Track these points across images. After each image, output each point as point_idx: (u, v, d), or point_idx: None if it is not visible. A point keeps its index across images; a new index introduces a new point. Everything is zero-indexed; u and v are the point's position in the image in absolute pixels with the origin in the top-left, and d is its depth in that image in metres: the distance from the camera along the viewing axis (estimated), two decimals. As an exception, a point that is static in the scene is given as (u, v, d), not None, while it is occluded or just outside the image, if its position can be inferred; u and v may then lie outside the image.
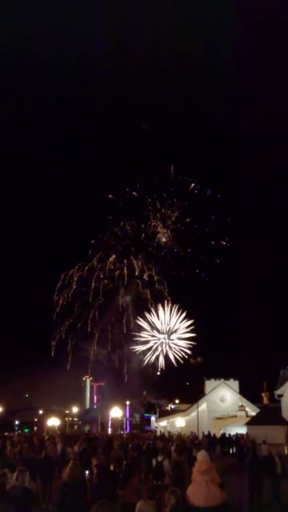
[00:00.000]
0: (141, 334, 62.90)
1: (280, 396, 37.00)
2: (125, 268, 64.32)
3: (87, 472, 10.29)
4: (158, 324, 63.54)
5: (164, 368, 61.47)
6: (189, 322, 61.81)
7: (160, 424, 48.44)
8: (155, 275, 64.00)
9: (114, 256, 63.66)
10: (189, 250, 63.81)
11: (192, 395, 45.79)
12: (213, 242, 64.68)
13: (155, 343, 63.31)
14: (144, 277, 64.37)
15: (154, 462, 12.48)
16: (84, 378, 73.31)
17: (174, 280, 64.11)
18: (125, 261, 64.55)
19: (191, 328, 62.35)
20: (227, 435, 33.02)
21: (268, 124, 67.55)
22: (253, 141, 73.05)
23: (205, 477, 4.88)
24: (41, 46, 61.63)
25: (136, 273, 64.94)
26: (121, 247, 64.32)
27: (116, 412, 47.11)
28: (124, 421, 55.68)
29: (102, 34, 61.34)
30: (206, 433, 32.14)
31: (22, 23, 55.55)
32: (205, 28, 63.42)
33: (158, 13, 61.86)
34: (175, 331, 63.78)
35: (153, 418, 53.60)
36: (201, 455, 5.40)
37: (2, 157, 69.55)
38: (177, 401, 57.33)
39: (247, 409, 38.98)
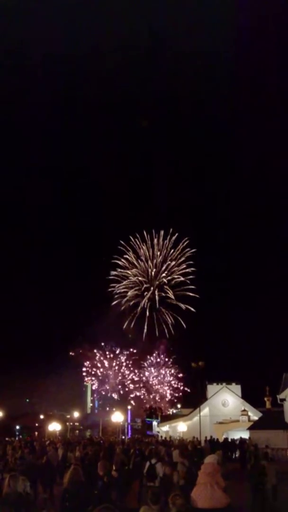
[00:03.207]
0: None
1: (283, 400, 36.69)
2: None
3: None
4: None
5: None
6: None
7: (162, 429, 48.12)
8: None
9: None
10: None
11: (194, 399, 45.52)
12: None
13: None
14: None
15: (147, 464, 12.61)
16: (85, 383, 73.04)
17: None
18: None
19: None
20: (229, 440, 32.78)
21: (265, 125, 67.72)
22: (249, 142, 73.24)
23: (209, 479, 4.84)
24: (39, 45, 61.85)
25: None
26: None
27: (117, 417, 46.79)
28: (126, 426, 55.34)
29: (101, 33, 61.71)
30: (208, 437, 31.91)
31: (22, 22, 55.73)
32: (205, 28, 63.69)
33: (157, 12, 62.28)
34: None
35: (154, 423, 53.26)
36: (209, 458, 5.38)
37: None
38: (179, 406, 57.00)
39: (249, 413, 38.71)
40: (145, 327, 63.41)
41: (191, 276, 63.87)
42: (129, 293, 65.28)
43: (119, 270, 65.65)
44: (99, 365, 61.65)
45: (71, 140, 73.32)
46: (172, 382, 61.63)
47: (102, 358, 61.40)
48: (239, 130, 70.82)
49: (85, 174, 74.54)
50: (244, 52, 61.54)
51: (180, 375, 60.78)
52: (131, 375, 61.40)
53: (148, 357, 61.82)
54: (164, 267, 65.71)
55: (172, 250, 65.41)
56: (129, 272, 65.87)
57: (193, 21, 61.10)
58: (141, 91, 71.65)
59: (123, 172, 69.38)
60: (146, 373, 62.04)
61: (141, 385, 61.53)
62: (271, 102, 66.45)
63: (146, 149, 73.45)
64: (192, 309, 62.81)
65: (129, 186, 70.26)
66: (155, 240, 65.68)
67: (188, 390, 57.58)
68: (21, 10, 52.65)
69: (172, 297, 63.98)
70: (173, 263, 65.31)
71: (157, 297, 64.75)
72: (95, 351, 60.56)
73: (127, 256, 65.87)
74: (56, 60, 63.60)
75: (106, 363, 61.60)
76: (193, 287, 63.48)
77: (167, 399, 61.04)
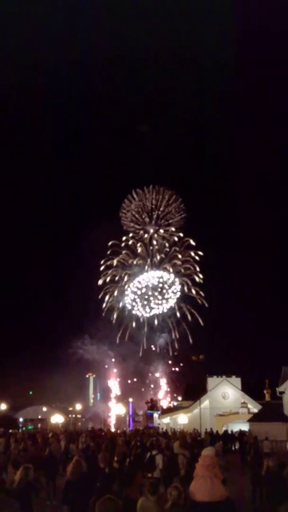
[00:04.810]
0: None
1: (282, 393, 37.01)
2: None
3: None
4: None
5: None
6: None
7: (163, 421, 48.59)
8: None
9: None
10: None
11: (195, 392, 45.89)
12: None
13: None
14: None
15: (148, 455, 12.79)
16: (87, 376, 73.55)
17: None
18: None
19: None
20: (229, 432, 33.14)
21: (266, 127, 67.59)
22: (248, 141, 73.18)
23: (209, 472, 4.89)
24: (40, 46, 61.75)
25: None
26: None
27: (119, 409, 47.28)
28: (127, 418, 55.90)
29: (103, 35, 61.40)
30: (208, 429, 32.26)
31: (24, 24, 55.58)
32: (205, 29, 63.35)
33: (158, 13, 61.79)
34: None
35: (155, 415, 53.77)
36: (207, 450, 5.45)
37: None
38: (179, 398, 57.46)
39: (249, 406, 39.06)
40: (145, 325, 62.76)
41: (193, 277, 61.02)
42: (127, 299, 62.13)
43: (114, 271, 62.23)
44: (100, 357, 61.98)
45: (70, 140, 73.38)
46: (173, 375, 61.96)
47: (103, 351, 61.68)
48: (239, 130, 70.72)
49: (84, 174, 74.65)
50: (244, 54, 61.32)
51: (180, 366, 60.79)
52: (132, 368, 61.74)
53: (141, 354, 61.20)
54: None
55: (173, 249, 62.30)
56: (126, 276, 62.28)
57: (193, 24, 60.82)
58: (141, 94, 71.49)
59: (122, 170, 69.32)
60: (147, 366, 62.40)
61: (143, 379, 61.88)
62: (271, 103, 66.35)
63: (146, 150, 73.48)
64: (194, 311, 60.65)
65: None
66: (154, 241, 62.59)
67: (188, 383, 57.24)
68: (24, 11, 52.52)
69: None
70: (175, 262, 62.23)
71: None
72: (95, 346, 60.77)
73: (122, 256, 62.27)
74: (58, 64, 63.49)
75: (107, 356, 61.95)
76: (196, 289, 60.81)
77: (167, 392, 61.46)
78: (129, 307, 61.86)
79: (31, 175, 75.14)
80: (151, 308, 61.48)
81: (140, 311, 61.74)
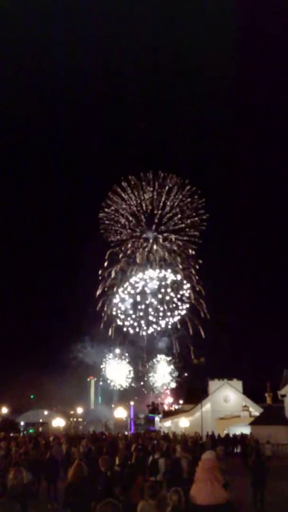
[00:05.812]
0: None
1: (283, 396, 36.92)
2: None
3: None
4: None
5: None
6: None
7: (164, 424, 48.49)
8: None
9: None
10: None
11: (196, 395, 45.83)
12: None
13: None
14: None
15: (150, 459, 12.84)
16: (88, 379, 73.50)
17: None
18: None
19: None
20: (231, 435, 33.07)
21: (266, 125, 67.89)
22: (249, 140, 73.56)
23: (209, 475, 4.92)
24: (40, 46, 62.13)
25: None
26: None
27: (120, 413, 47.16)
28: (129, 422, 55.80)
29: (100, 34, 61.85)
30: (210, 433, 32.19)
31: (22, 23, 55.95)
32: (205, 28, 63.78)
33: (157, 13, 62.21)
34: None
35: (157, 418, 53.65)
36: (207, 454, 5.50)
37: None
38: (181, 402, 57.36)
39: (250, 409, 39.00)
40: (146, 327, 61.78)
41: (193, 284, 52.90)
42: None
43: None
44: (101, 361, 61.83)
45: (70, 142, 73.82)
46: (174, 378, 61.73)
47: (103, 354, 61.52)
48: (240, 130, 71.06)
49: (84, 178, 75.10)
50: (244, 54, 61.75)
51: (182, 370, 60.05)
52: (133, 370, 61.54)
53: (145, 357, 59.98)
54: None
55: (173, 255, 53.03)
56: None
57: (193, 21, 61.26)
58: (140, 93, 72.06)
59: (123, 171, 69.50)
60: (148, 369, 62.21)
61: (143, 382, 61.70)
62: (273, 102, 66.72)
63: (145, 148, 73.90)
64: (194, 318, 57.53)
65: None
66: (154, 246, 53.92)
67: (189, 387, 55.33)
68: (23, 11, 52.94)
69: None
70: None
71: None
72: (96, 349, 60.56)
73: (121, 264, 51.92)
74: (57, 64, 63.92)
75: (108, 359, 61.81)
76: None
77: (168, 395, 61.30)
78: (119, 322, 48.99)
79: (32, 175, 75.42)
80: (148, 324, 48.42)
81: (131, 329, 48.71)
